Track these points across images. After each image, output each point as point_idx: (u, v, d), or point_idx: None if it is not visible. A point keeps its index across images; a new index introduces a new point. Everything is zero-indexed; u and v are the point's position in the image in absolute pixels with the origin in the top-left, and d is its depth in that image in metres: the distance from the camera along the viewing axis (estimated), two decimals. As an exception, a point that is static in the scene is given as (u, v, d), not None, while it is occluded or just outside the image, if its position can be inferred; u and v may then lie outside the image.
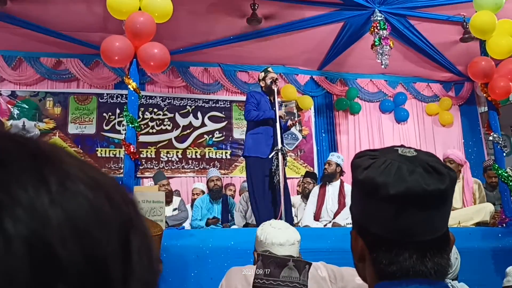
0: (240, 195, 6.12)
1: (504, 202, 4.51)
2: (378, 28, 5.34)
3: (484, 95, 4.67)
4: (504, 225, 4.40)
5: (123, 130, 6.36)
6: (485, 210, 4.43)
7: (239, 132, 7.27)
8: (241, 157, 7.03)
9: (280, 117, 4.28)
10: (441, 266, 0.76)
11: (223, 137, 7.30)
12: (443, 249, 0.77)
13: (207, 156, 7.16)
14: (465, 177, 4.76)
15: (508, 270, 2.85)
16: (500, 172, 4.42)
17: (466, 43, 6.15)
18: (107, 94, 6.91)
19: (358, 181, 0.79)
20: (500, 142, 4.44)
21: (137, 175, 6.03)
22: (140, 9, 3.75)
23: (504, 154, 4.70)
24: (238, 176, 7.07)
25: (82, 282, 0.28)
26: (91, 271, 0.28)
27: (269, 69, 4.67)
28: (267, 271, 1.37)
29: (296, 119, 4.71)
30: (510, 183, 4.40)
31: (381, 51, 5.28)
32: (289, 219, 3.95)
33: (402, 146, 0.81)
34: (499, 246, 4.05)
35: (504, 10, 4.37)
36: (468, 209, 4.52)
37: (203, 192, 6.14)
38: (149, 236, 0.36)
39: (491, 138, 4.57)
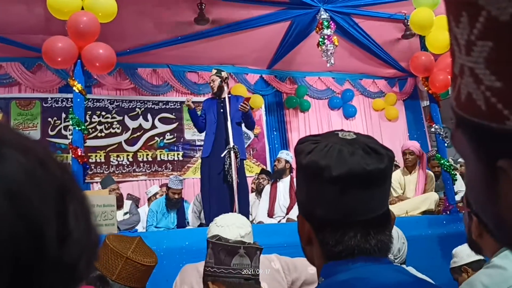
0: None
1: (447, 190, 4.73)
2: (322, 27, 5.46)
3: (426, 88, 4.88)
4: (448, 212, 4.61)
5: (69, 134, 6.16)
6: (430, 199, 4.62)
7: (190, 133, 7.22)
8: (194, 158, 7.02)
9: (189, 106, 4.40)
10: (384, 243, 0.79)
11: (175, 139, 7.22)
12: (385, 227, 0.80)
13: (158, 159, 7.06)
14: (421, 169, 4.89)
15: (454, 251, 3.00)
16: (442, 161, 4.64)
17: (407, 40, 6.40)
18: (52, 98, 6.67)
19: (302, 166, 0.81)
20: (442, 133, 4.66)
21: (86, 180, 5.89)
22: (83, 8, 3.65)
23: (446, 145, 4.93)
24: (191, 177, 7.02)
25: (16, 241, 0.28)
26: (24, 231, 0.29)
27: (222, 71, 4.66)
28: (218, 259, 1.37)
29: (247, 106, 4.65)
30: (452, 172, 4.62)
31: (325, 50, 5.40)
32: (246, 216, 3.97)
33: (342, 130, 0.84)
34: (444, 233, 4.24)
35: (442, 6, 4.56)
36: (415, 199, 4.70)
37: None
38: (86, 202, 0.37)
39: (433, 129, 4.78)
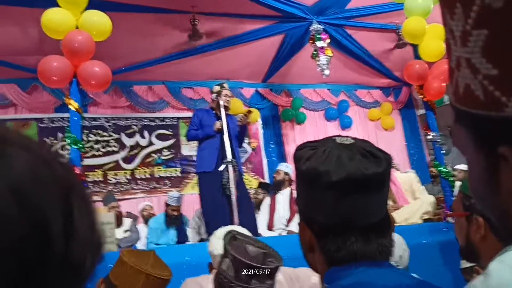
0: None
1: (446, 197, 4.73)
2: (315, 40, 5.50)
3: (420, 96, 4.91)
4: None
5: (66, 154, 6.15)
6: (427, 202, 4.61)
7: (187, 148, 7.21)
8: (192, 174, 6.99)
9: (218, 129, 4.26)
10: (385, 247, 0.80)
11: (172, 155, 7.21)
12: (385, 231, 0.81)
13: (156, 175, 7.04)
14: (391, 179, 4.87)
15: None
16: (440, 168, 4.64)
17: (400, 49, 6.45)
18: (48, 118, 6.67)
19: (301, 172, 0.82)
20: (438, 140, 4.67)
21: (85, 199, 5.86)
22: (77, 27, 3.67)
23: (443, 152, 4.95)
24: (190, 193, 6.99)
25: (22, 238, 0.29)
26: (30, 228, 0.29)
27: (224, 84, 4.61)
28: (237, 276, 1.32)
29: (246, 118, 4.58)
30: (450, 179, 4.62)
31: (319, 62, 5.44)
32: (253, 229, 3.92)
33: (339, 135, 0.85)
34: (445, 240, 4.22)
35: (433, 15, 4.63)
36: (412, 206, 4.69)
37: (151, 207, 6.08)
38: (90, 201, 0.37)
39: (430, 137, 4.79)
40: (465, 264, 3.05)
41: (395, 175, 4.91)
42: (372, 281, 0.74)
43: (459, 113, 0.37)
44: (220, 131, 4.26)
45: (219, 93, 4.41)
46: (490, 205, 0.38)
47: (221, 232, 1.91)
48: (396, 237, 2.01)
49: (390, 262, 0.83)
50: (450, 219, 4.08)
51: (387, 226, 0.81)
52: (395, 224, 4.27)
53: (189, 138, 4.58)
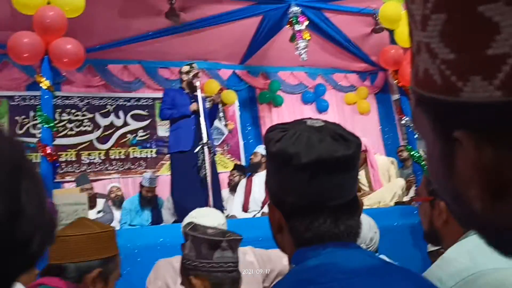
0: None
1: (418, 181, 4.83)
2: (293, 23, 5.48)
3: (396, 81, 4.96)
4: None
5: (38, 133, 6.02)
6: (397, 186, 4.70)
7: (164, 129, 7.15)
8: (168, 155, 6.93)
9: (194, 111, 4.27)
10: (353, 228, 0.81)
11: (148, 136, 7.14)
12: (354, 212, 0.82)
13: (131, 156, 6.97)
14: (369, 162, 4.91)
15: None
16: (413, 153, 4.73)
17: (377, 34, 6.49)
18: (19, 96, 6.49)
19: (271, 154, 0.82)
20: (411, 125, 4.75)
21: (57, 179, 5.77)
22: (49, 3, 3.57)
23: (416, 136, 5.03)
24: (166, 174, 6.96)
25: None
26: None
27: (194, 65, 4.63)
28: (199, 252, 1.34)
29: (218, 100, 4.59)
30: (422, 163, 4.72)
31: (297, 46, 5.43)
32: (220, 210, 3.96)
33: (310, 118, 0.85)
34: (415, 223, 4.32)
35: (409, 1, 4.65)
36: (383, 189, 4.77)
37: (118, 189, 6.03)
38: (39, 181, 0.36)
39: (403, 122, 4.87)
40: (431, 247, 3.15)
41: (375, 158, 4.98)
42: (339, 262, 0.75)
43: (419, 98, 0.37)
44: (196, 112, 4.26)
45: (188, 73, 4.43)
46: (444, 187, 0.39)
47: (197, 212, 1.91)
48: (368, 220, 2.04)
49: (358, 243, 0.84)
50: (414, 203, 4.18)
51: (355, 207, 0.82)
52: (367, 207, 4.34)
53: (163, 117, 4.55)
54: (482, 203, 0.34)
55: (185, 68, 4.59)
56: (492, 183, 0.33)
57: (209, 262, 1.35)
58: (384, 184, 4.91)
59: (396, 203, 4.72)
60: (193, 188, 4.20)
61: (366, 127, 8.33)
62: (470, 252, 1.03)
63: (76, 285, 1.38)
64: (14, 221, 0.31)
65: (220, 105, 4.75)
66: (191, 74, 4.44)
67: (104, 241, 1.47)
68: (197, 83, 4.34)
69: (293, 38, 5.41)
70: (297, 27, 5.40)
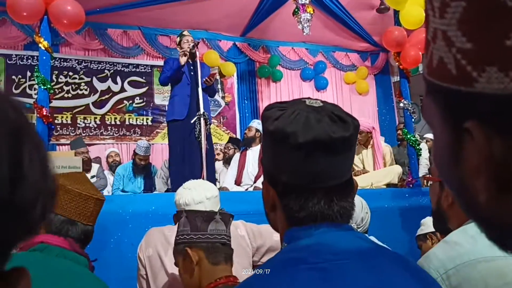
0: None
1: (411, 164, 4.86)
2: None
3: (397, 63, 4.93)
4: (411, 185, 4.75)
5: (34, 93, 5.97)
6: (393, 172, 4.74)
7: (160, 98, 7.11)
8: (163, 124, 6.91)
9: (185, 62, 4.24)
10: (346, 210, 0.81)
11: (144, 103, 7.10)
12: (348, 194, 0.82)
13: (127, 123, 6.95)
14: (375, 143, 4.97)
15: (423, 220, 3.17)
16: (408, 136, 4.74)
17: (382, 14, 6.41)
18: (16, 55, 6.41)
19: (268, 132, 0.81)
20: (410, 108, 4.74)
21: (52, 141, 5.76)
22: (50, -38, 3.49)
23: (413, 120, 5.04)
24: (160, 143, 6.96)
25: None
26: None
27: (184, 32, 4.57)
28: (194, 226, 1.38)
29: (217, 78, 4.59)
30: (417, 147, 4.73)
31: (300, 20, 5.36)
32: (212, 183, 3.98)
33: (309, 98, 0.84)
34: (406, 205, 4.37)
35: (417, -18, 4.58)
36: (379, 172, 4.81)
37: (117, 154, 6.07)
38: (42, 148, 0.36)
39: (401, 104, 4.86)
40: (421, 231, 3.21)
41: (381, 141, 5.03)
42: (331, 243, 0.75)
43: (431, 86, 0.37)
44: (186, 62, 4.24)
45: (180, 44, 4.41)
46: (450, 177, 0.39)
47: (190, 184, 1.92)
48: (359, 200, 2.06)
49: (351, 224, 0.85)
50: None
51: (349, 189, 0.82)
52: (359, 188, 4.38)
53: (161, 81, 4.50)
54: (487, 194, 0.34)
55: (177, 39, 4.56)
56: (500, 175, 0.33)
57: (203, 234, 1.39)
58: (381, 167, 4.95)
59: (388, 185, 4.76)
60: (187, 158, 4.20)
61: (363, 108, 8.32)
62: (473, 237, 1.05)
63: (80, 245, 1.35)
64: (16, 187, 0.31)
65: (218, 77, 4.70)
66: (185, 44, 4.36)
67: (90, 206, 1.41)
68: (197, 53, 4.29)
69: (296, 12, 5.33)
70: (300, 1, 5.31)
